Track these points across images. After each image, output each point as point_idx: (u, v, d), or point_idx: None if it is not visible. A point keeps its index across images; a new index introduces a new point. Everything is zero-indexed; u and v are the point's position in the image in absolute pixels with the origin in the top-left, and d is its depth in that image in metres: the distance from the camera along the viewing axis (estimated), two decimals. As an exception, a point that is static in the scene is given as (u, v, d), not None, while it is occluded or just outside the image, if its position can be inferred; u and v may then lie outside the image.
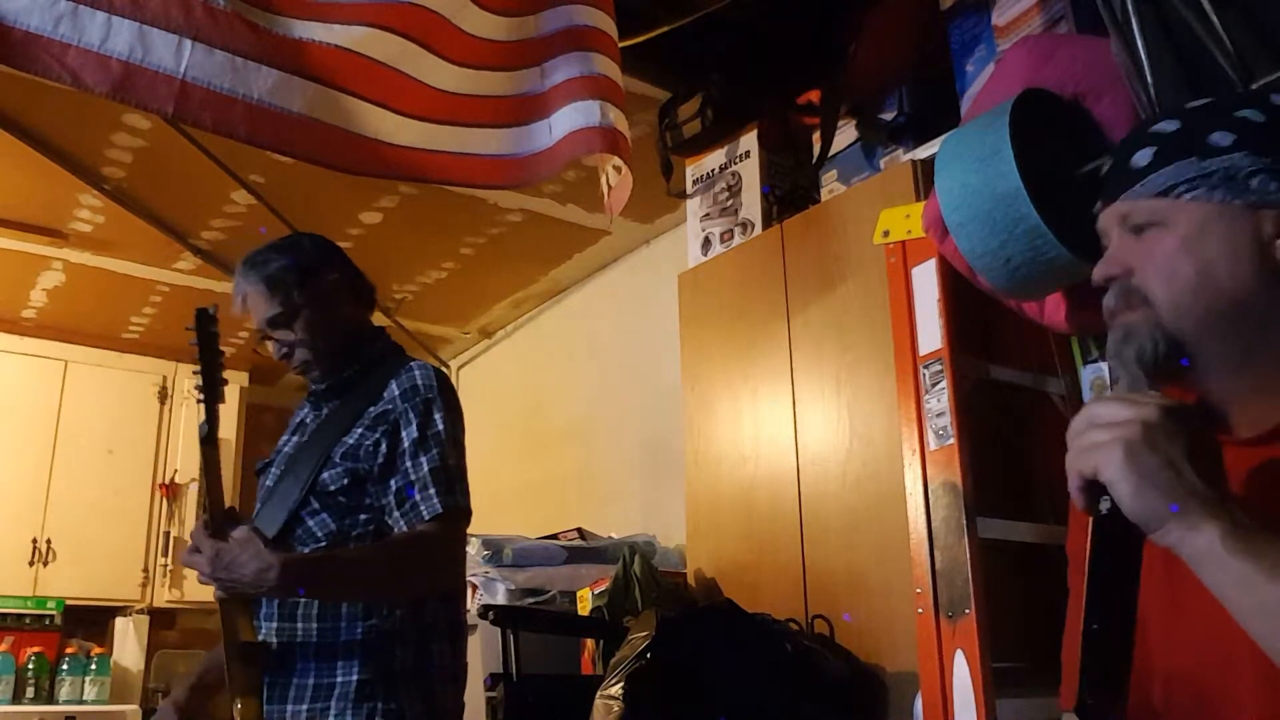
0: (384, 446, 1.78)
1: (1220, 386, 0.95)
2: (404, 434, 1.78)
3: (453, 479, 1.78)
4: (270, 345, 1.92)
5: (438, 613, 1.81)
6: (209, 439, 1.80)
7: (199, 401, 1.82)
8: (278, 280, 1.88)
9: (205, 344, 1.82)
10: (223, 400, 1.83)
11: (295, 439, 1.95)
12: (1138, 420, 0.81)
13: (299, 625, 1.75)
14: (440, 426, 1.80)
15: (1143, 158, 0.98)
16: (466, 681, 1.88)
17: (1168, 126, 0.99)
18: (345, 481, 1.79)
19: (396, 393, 1.82)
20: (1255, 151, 0.93)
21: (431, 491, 1.74)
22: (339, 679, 1.72)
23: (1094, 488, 0.83)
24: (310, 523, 1.80)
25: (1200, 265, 0.93)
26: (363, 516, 1.79)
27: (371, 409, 1.83)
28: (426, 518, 1.73)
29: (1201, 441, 0.82)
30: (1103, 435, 0.82)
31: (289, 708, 1.72)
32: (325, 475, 1.80)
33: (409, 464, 1.76)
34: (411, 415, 1.79)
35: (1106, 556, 0.82)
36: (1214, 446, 0.84)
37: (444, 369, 4.74)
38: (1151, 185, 0.96)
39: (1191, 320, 0.93)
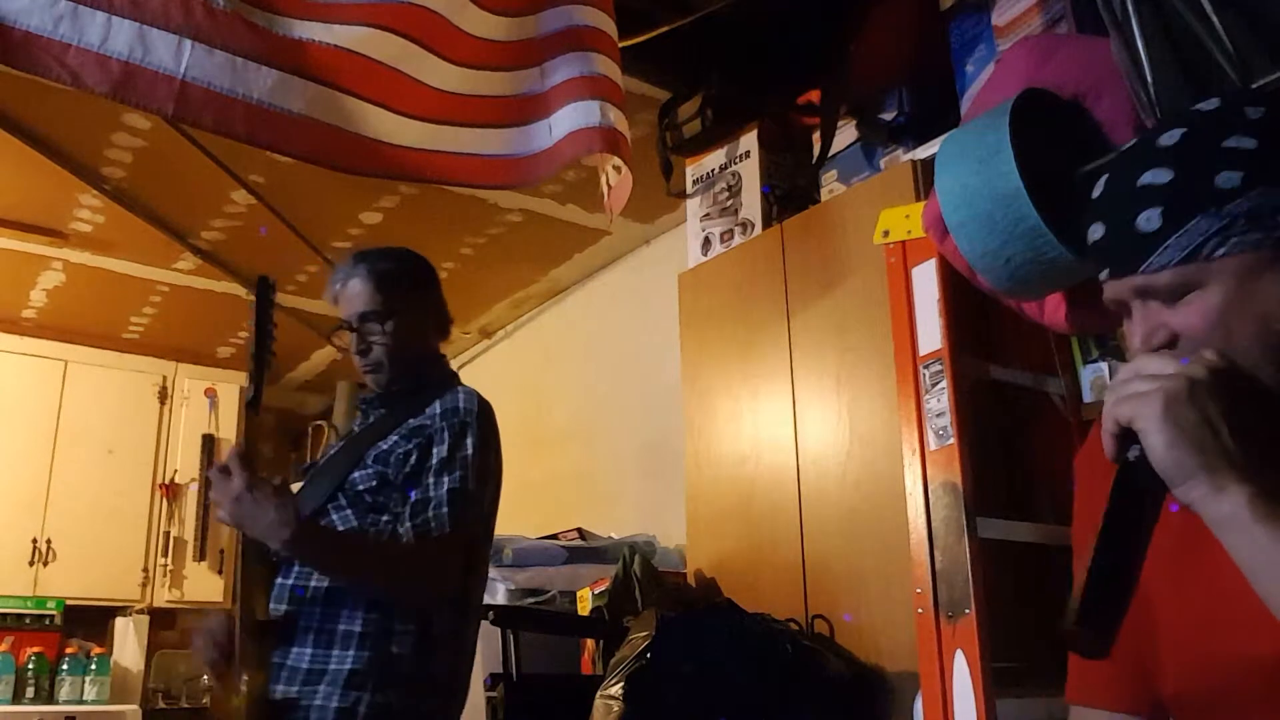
0: (414, 458, 1.84)
1: None
2: (434, 450, 1.84)
3: (468, 504, 1.82)
4: (350, 337, 1.97)
5: (444, 626, 1.84)
6: (253, 404, 1.84)
7: (252, 362, 1.84)
8: (388, 279, 1.96)
9: (262, 311, 1.86)
10: (269, 368, 1.87)
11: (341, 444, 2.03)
12: (1183, 375, 0.81)
13: (302, 609, 1.79)
14: (469, 451, 1.85)
15: (1149, 220, 0.90)
16: (464, 700, 1.90)
17: (1161, 176, 0.90)
18: (373, 483, 1.85)
19: (438, 410, 1.88)
20: (1268, 182, 0.87)
21: (444, 511, 1.79)
22: (331, 665, 1.74)
23: (1126, 436, 0.82)
24: (334, 516, 1.85)
25: (1257, 317, 0.88)
26: (384, 518, 1.84)
27: (412, 420, 1.89)
28: (434, 535, 1.78)
29: (1242, 407, 0.81)
30: (1145, 385, 0.82)
31: (279, 688, 1.74)
32: (356, 475, 1.86)
33: (431, 480, 1.82)
34: (445, 434, 1.85)
35: (1125, 504, 0.82)
36: (1254, 414, 0.82)
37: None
38: (1174, 251, 0.89)
39: (1263, 372, 0.88)
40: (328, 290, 2.02)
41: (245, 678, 1.70)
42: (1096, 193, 0.96)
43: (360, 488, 1.85)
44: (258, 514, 1.67)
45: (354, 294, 1.96)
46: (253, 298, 1.87)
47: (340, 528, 1.84)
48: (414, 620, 1.80)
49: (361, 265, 1.98)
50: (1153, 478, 0.81)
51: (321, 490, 1.88)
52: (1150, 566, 0.83)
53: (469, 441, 1.86)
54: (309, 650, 1.76)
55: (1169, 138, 0.92)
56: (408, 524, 1.80)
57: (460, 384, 2.01)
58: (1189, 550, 0.82)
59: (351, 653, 1.74)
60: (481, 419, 1.90)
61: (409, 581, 1.79)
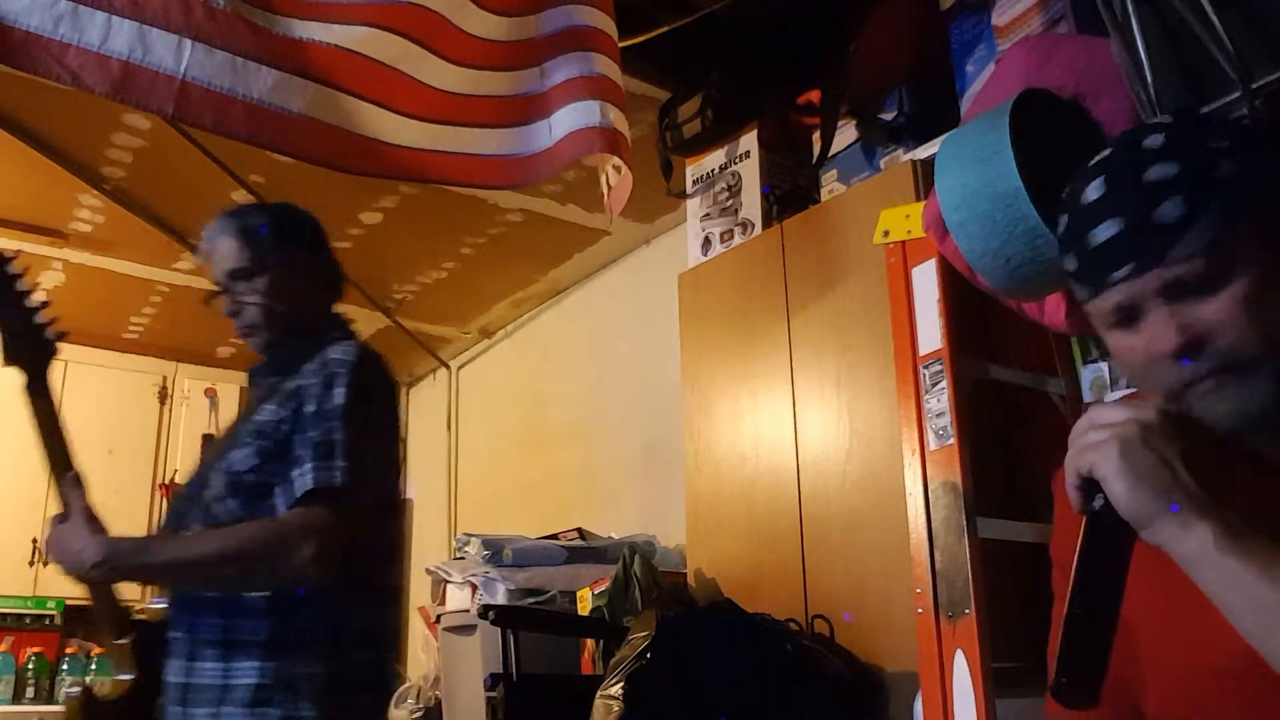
0: (286, 425, 1.63)
1: None
2: (304, 409, 1.63)
3: (333, 454, 1.57)
4: (223, 300, 1.80)
5: (360, 575, 1.64)
6: (36, 389, 1.71)
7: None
8: (254, 235, 1.78)
9: (2, 291, 1.72)
10: (52, 353, 1.77)
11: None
12: (1135, 420, 0.82)
13: (197, 618, 1.64)
14: (339, 401, 1.61)
15: (1170, 211, 0.87)
16: (390, 695, 1.73)
17: (1168, 170, 0.89)
18: (255, 461, 1.63)
19: (310, 367, 1.67)
20: (1258, 179, 0.88)
21: (308, 467, 1.56)
22: (245, 636, 1.58)
23: (1089, 486, 0.84)
24: (216, 510, 1.64)
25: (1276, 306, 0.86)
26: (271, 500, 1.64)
27: (288, 384, 1.68)
28: (297, 495, 1.56)
29: (1196, 448, 0.82)
30: (1100, 435, 0.83)
31: (173, 709, 1.62)
32: (234, 455, 1.66)
33: (298, 438, 1.60)
34: (314, 390, 1.63)
35: (1096, 552, 0.84)
36: (1207, 456, 0.83)
37: (444, 369, 4.74)
38: (1198, 238, 0.86)
39: None
40: (198, 253, 1.86)
41: (113, 679, 1.61)
42: (1095, 195, 0.94)
43: (239, 469, 1.64)
44: (64, 551, 1.57)
45: (221, 253, 1.78)
46: None
47: (225, 522, 1.62)
48: (322, 620, 1.59)
49: (228, 222, 1.80)
50: (1119, 524, 0.82)
51: (210, 481, 1.68)
52: (1130, 584, 0.83)
53: (337, 391, 1.62)
54: (219, 620, 1.60)
55: (1153, 141, 0.92)
56: (279, 494, 1.61)
57: (352, 340, 1.79)
58: (1168, 568, 0.82)
59: (256, 664, 1.56)
60: (359, 368, 1.66)
61: (271, 564, 1.54)
